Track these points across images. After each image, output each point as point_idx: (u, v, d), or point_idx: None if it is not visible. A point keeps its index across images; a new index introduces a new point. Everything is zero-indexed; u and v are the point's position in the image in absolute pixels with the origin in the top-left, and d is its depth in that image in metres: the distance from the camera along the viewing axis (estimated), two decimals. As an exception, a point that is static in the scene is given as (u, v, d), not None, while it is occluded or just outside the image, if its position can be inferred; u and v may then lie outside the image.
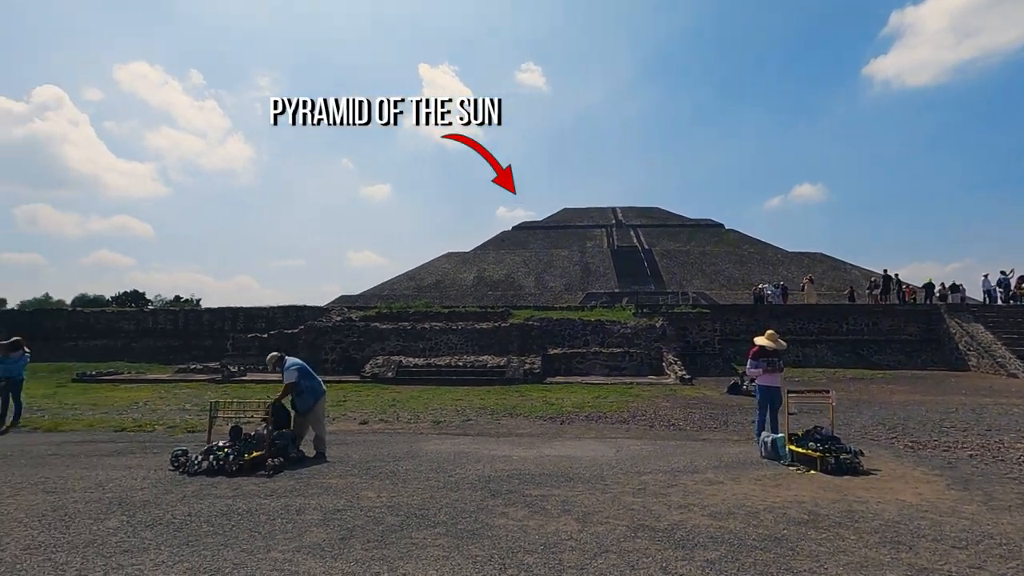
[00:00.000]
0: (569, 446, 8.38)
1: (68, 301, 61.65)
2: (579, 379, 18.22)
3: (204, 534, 4.53)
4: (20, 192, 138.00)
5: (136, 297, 54.05)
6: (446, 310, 25.39)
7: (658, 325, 21.67)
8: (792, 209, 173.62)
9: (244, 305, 29.56)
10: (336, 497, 5.60)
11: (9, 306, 52.28)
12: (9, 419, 9.86)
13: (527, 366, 18.44)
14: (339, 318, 23.94)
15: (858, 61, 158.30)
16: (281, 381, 7.81)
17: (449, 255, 55.90)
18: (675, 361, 19.24)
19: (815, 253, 50.57)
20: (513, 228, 66.72)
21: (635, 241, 56.42)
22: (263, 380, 17.46)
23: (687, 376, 17.57)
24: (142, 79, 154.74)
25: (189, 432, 9.58)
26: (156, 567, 3.89)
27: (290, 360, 7.83)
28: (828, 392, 7.90)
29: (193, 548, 4.23)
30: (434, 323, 22.73)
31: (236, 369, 19.08)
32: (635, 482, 6.20)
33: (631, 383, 17.06)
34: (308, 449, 7.59)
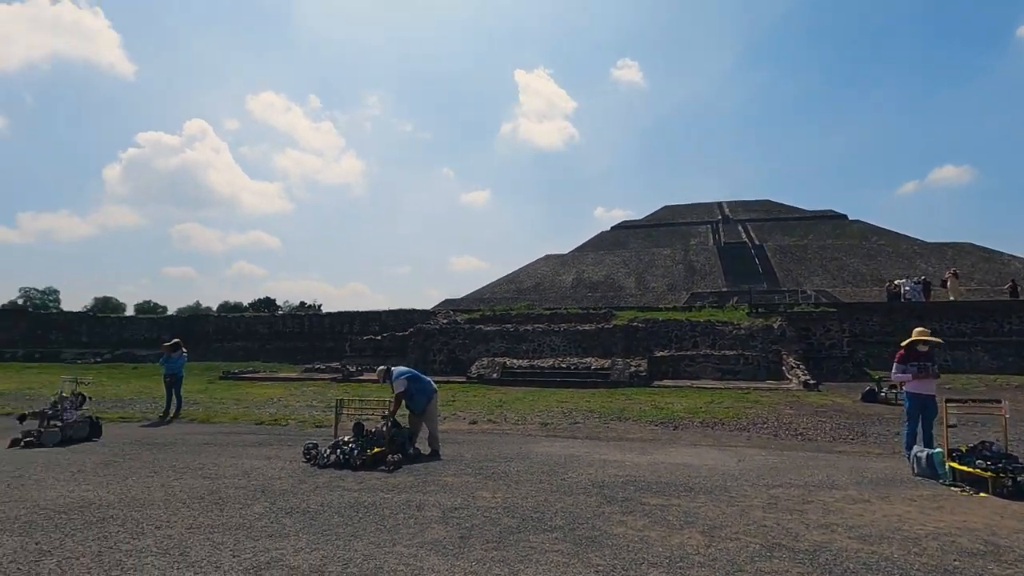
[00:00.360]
0: (685, 453, 7.95)
1: (214, 308, 69.73)
2: (688, 383, 17.37)
3: (335, 524, 4.80)
4: (175, 214, 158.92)
5: (268, 303, 60.04)
6: (548, 312, 25.42)
7: (776, 326, 20.11)
8: (931, 195, 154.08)
9: (359, 309, 31.75)
10: (453, 495, 5.71)
11: (169, 313, 60.16)
12: (172, 411, 11.26)
13: (632, 368, 17.91)
14: (445, 321, 24.81)
15: (1012, 20, 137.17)
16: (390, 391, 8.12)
17: (547, 257, 56.08)
18: (797, 365, 17.72)
19: (961, 243, 44.41)
20: (612, 228, 65.53)
21: (744, 237, 53.10)
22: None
23: (812, 381, 16.10)
24: (270, 107, 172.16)
25: (317, 427, 10.34)
26: (296, 552, 4.17)
27: (396, 371, 8.13)
28: (999, 402, 6.80)
29: (327, 537, 4.49)
30: (536, 325, 22.83)
31: (354, 369, 20.41)
32: (764, 496, 5.71)
33: (747, 388, 15.96)
34: (423, 446, 7.86)
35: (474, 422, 10.95)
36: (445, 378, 18.85)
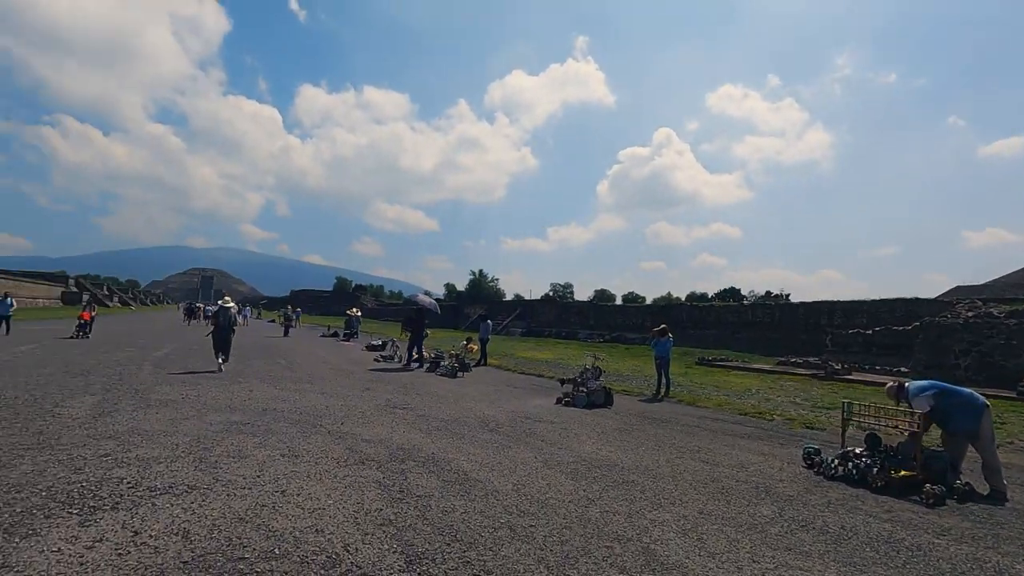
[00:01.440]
0: None
1: (683, 298, 75.56)
2: None
3: (870, 560, 3.89)
4: (648, 215, 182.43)
5: (733, 293, 60.51)
6: None
7: None
8: None
9: (833, 298, 27.88)
10: (1060, 572, 3.83)
11: (647, 303, 68.76)
12: (662, 390, 12.38)
13: None
14: (971, 313, 18.73)
15: None
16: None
17: None
18: None
19: None
20: None
21: None
22: (872, 381, 15.55)
23: None
24: (727, 99, 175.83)
25: (807, 428, 9.30)
26: (826, 582, 3.53)
27: (914, 386, 6.32)
28: None
29: (863, 574, 3.65)
30: None
31: (839, 366, 17.83)
32: None
33: None
34: (976, 482, 5.81)
35: (1055, 461, 7.55)
36: (977, 390, 14.08)
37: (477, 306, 52.40)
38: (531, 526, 4.20)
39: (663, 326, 13.11)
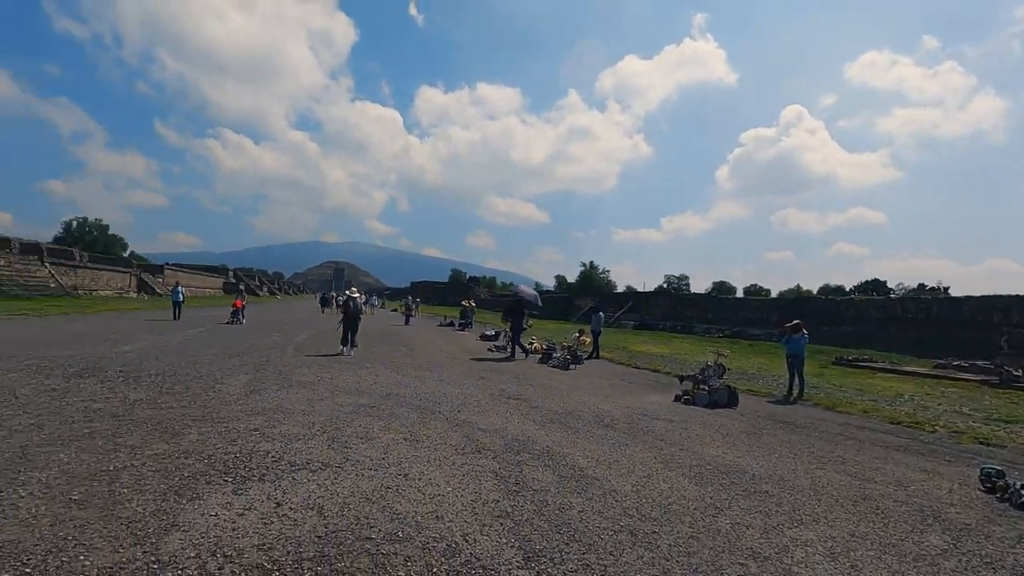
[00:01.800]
0: None
1: (814, 291, 68.96)
2: None
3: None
4: (775, 201, 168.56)
5: (877, 286, 54.03)
6: None
7: None
8: None
9: (1007, 292, 23.65)
10: None
11: (771, 296, 63.66)
12: (795, 392, 11.29)
13: None
14: None
15: None
16: None
17: None
18: None
19: None
20: None
21: None
22: (1067, 392, 12.97)
23: None
24: (869, 68, 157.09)
25: (980, 443, 7.93)
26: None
27: None
28: None
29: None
30: None
31: (1019, 372, 15.12)
32: None
33: None
34: None
35: None
36: None
37: (588, 298, 51.78)
38: (654, 532, 3.94)
39: (797, 322, 11.89)
